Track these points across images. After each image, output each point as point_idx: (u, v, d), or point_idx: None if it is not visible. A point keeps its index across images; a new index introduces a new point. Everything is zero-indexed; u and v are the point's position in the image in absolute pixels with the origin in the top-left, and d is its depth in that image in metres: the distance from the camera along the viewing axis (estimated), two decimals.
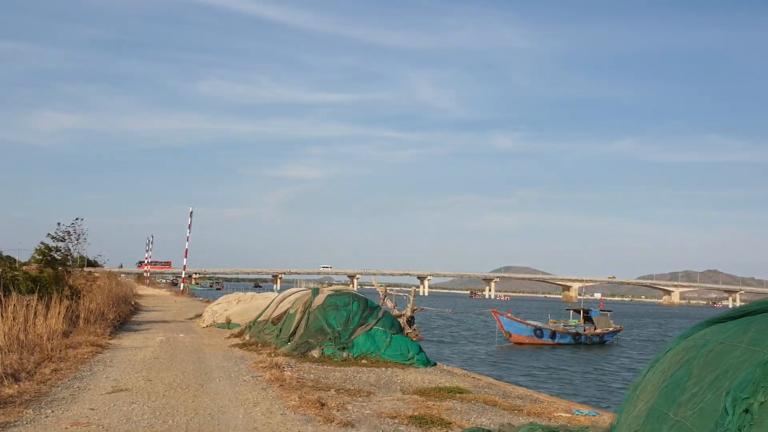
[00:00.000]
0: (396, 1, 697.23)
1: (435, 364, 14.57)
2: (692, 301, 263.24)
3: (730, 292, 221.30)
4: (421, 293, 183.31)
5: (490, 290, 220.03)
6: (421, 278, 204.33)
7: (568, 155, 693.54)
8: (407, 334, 30.65)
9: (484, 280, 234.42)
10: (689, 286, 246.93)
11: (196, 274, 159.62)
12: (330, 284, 34.36)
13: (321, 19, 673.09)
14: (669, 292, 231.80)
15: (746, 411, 3.50)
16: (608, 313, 41.92)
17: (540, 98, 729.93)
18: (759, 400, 3.48)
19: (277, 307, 17.76)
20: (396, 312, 32.61)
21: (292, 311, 16.22)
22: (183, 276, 64.86)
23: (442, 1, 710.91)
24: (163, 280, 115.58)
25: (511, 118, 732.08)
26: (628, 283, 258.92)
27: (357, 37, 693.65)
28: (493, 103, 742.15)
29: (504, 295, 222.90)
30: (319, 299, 15.56)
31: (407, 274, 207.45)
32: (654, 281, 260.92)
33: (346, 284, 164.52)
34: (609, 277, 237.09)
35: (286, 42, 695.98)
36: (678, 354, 4.73)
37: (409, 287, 36.26)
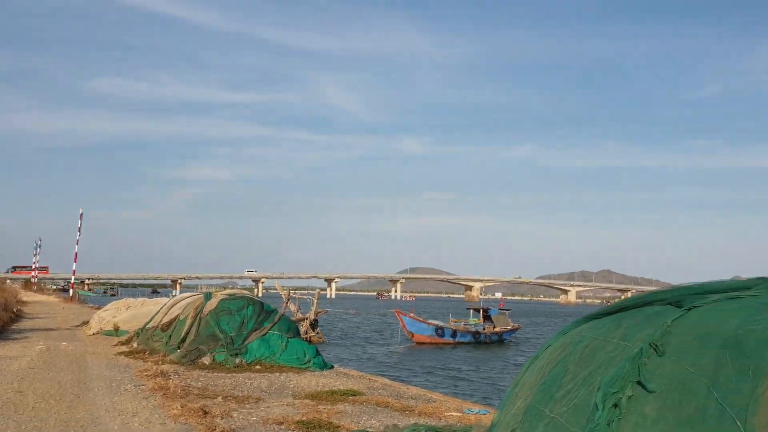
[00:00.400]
0: (303, 2, 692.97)
1: (332, 367, 14.37)
2: (588, 300, 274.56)
3: (623, 291, 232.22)
4: (328, 296, 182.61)
5: (396, 291, 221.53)
6: (329, 280, 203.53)
7: (472, 159, 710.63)
8: (310, 337, 30.44)
9: (390, 281, 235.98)
10: (585, 286, 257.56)
11: (89, 279, 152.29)
12: (234, 287, 33.44)
13: (227, 18, 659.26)
14: (566, 292, 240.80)
15: (615, 405, 3.50)
16: (507, 312, 43.00)
17: (446, 103, 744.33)
18: (627, 394, 3.49)
19: (167, 312, 17.04)
20: (299, 315, 32.23)
21: (182, 317, 15.59)
22: (73, 281, 61.71)
23: (349, 4, 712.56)
24: (54, 286, 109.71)
25: (418, 122, 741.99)
26: (528, 283, 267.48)
27: (264, 37, 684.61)
28: (401, 107, 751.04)
29: (409, 296, 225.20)
30: (212, 304, 15.02)
31: (314, 277, 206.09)
32: (552, 281, 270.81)
33: (252, 288, 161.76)
34: (514, 277, 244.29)
35: (191, 40, 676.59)
36: (556, 351, 4.73)
37: (316, 290, 35.92)
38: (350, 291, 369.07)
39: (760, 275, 3.98)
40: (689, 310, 3.79)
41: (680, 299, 4.04)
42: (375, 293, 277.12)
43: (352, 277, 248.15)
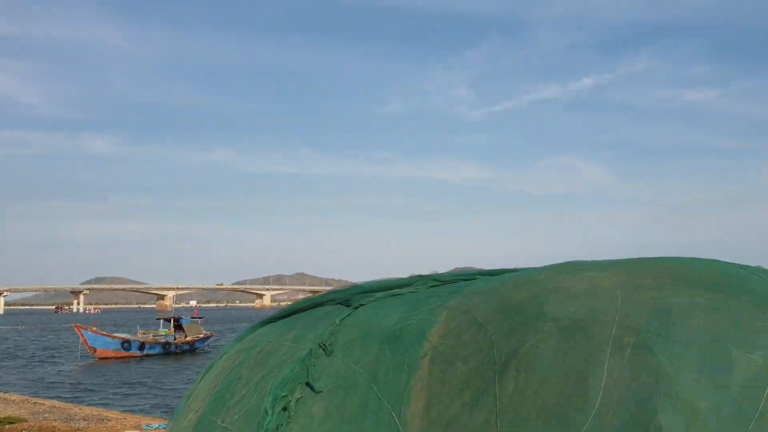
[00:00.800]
0: None
1: None
2: (282, 303, 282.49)
3: (314, 292, 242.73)
4: None
5: (78, 303, 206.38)
6: None
7: (168, 162, 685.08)
8: None
9: (72, 293, 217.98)
10: (279, 289, 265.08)
11: None
12: None
13: None
14: (261, 296, 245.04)
15: (284, 409, 3.44)
16: (199, 320, 42.30)
17: (139, 102, 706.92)
18: (296, 396, 3.44)
19: None
20: None
21: None
22: None
23: None
24: None
25: (107, 120, 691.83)
26: (224, 289, 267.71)
27: None
28: (87, 102, 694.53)
29: (94, 308, 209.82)
30: None
31: None
32: (248, 286, 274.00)
33: None
34: (218, 284, 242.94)
35: None
36: (231, 357, 4.58)
37: None
38: (24, 305, 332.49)
39: (429, 272, 4.23)
40: (357, 308, 3.89)
41: (349, 298, 4.14)
42: (54, 306, 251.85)
43: (25, 290, 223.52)
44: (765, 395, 2.48)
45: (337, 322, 3.74)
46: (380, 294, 3.98)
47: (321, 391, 3.37)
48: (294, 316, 4.52)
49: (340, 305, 4.12)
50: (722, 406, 2.47)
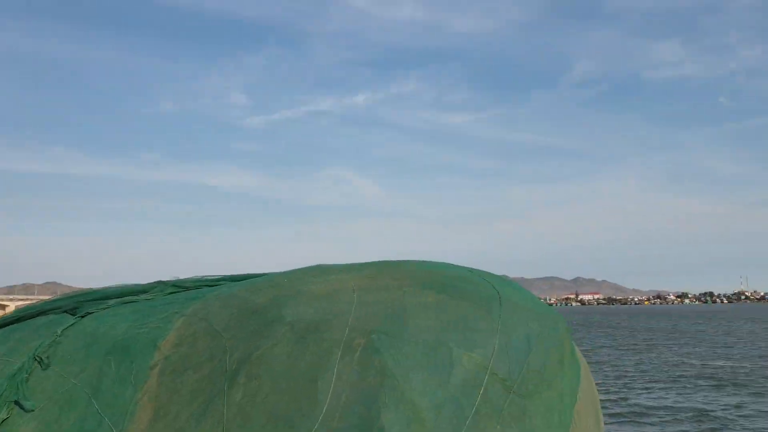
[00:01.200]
0: None
1: None
2: None
3: None
4: None
5: None
6: None
7: None
8: None
9: None
10: (26, 299, 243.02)
11: None
12: None
13: None
14: (4, 307, 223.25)
15: None
16: None
17: None
18: (2, 417, 3.09)
19: None
20: None
21: None
22: None
23: None
24: None
25: None
26: None
27: None
28: None
29: None
30: None
31: None
32: None
33: None
34: None
35: None
36: None
37: None
38: None
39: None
40: (83, 317, 3.59)
41: (77, 306, 3.82)
42: None
43: None
44: (481, 393, 2.62)
45: (59, 332, 3.44)
46: (113, 301, 3.73)
47: (32, 410, 3.03)
48: (11, 326, 4.04)
49: (65, 314, 3.77)
50: (442, 404, 2.55)
